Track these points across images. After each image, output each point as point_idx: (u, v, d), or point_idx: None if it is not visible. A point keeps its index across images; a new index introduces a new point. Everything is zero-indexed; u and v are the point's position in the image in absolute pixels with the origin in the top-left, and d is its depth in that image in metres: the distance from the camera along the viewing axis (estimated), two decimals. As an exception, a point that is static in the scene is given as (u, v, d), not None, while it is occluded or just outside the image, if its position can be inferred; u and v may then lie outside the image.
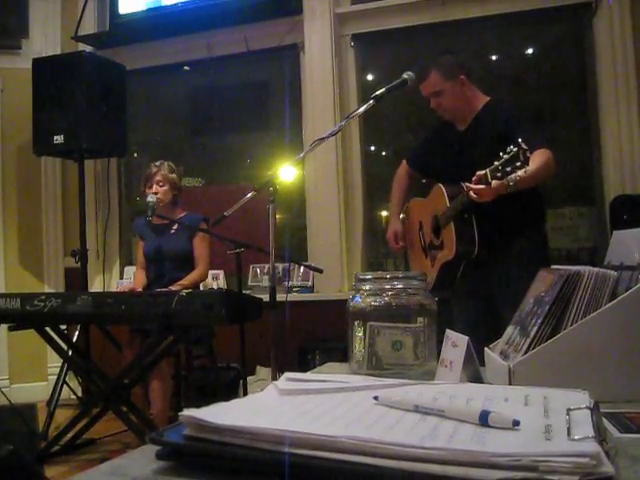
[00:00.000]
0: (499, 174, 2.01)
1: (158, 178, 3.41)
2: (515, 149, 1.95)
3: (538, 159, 2.23)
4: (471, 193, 2.20)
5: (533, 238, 2.56)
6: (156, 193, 3.37)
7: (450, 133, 2.67)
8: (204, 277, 3.49)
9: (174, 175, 3.48)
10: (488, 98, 2.62)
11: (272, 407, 0.67)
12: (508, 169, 1.98)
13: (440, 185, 2.55)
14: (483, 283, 2.57)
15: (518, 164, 1.95)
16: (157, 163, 3.48)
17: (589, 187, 3.98)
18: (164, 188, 3.41)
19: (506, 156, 1.98)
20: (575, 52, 4.07)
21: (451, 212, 2.44)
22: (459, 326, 2.54)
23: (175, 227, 3.45)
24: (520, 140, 1.95)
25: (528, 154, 1.94)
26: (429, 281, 2.60)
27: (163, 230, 3.47)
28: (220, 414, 0.57)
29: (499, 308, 2.44)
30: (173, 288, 3.14)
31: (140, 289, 3.34)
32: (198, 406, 0.60)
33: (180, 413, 0.57)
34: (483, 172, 2.10)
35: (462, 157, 2.56)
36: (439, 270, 2.56)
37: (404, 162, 2.97)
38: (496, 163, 2.02)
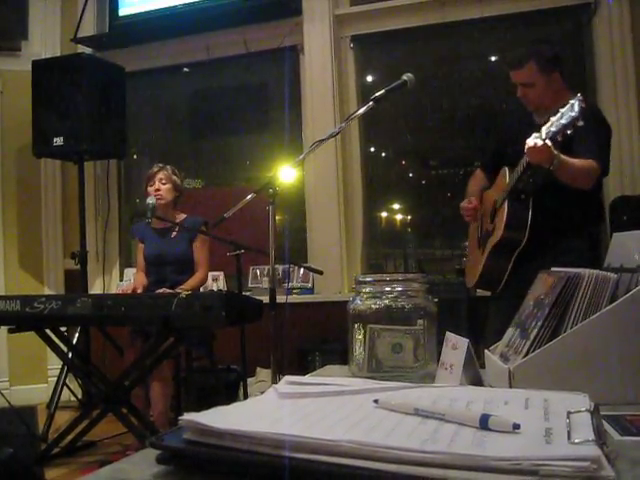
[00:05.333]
0: (553, 128, 1.96)
1: (161, 176, 3.44)
2: (571, 102, 1.91)
3: (584, 162, 2.19)
4: (528, 141, 2.05)
5: (585, 241, 2.41)
6: (158, 190, 3.40)
7: (527, 124, 2.52)
8: (204, 282, 3.50)
9: (176, 177, 3.52)
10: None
11: (272, 411, 0.67)
12: (563, 121, 1.93)
13: (505, 167, 2.45)
14: (524, 282, 2.39)
15: (573, 114, 1.90)
16: (160, 164, 3.52)
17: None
18: (166, 186, 3.43)
19: (562, 109, 1.93)
20: (574, 52, 4.07)
21: (508, 188, 2.33)
22: (492, 325, 2.47)
23: (176, 231, 3.46)
24: (580, 95, 1.92)
25: (583, 105, 1.89)
26: (475, 274, 2.50)
27: (164, 234, 3.48)
28: (220, 418, 0.57)
29: None
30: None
31: (140, 290, 3.34)
32: (198, 408, 0.60)
33: (180, 417, 0.57)
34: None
35: None
36: (486, 258, 2.41)
37: (478, 169, 2.84)
38: (552, 119, 1.97)
